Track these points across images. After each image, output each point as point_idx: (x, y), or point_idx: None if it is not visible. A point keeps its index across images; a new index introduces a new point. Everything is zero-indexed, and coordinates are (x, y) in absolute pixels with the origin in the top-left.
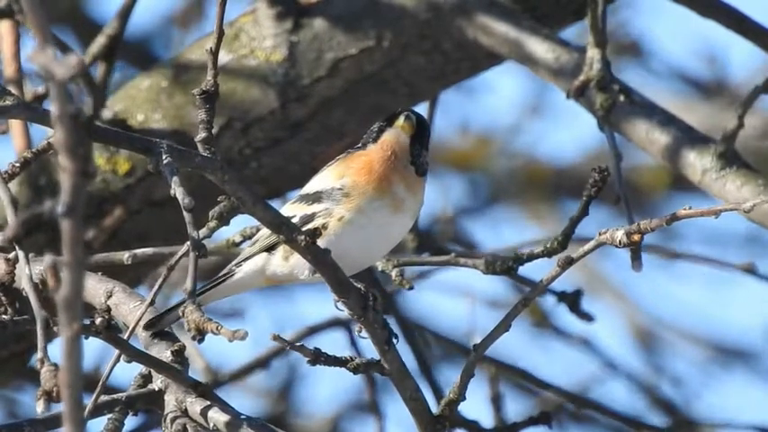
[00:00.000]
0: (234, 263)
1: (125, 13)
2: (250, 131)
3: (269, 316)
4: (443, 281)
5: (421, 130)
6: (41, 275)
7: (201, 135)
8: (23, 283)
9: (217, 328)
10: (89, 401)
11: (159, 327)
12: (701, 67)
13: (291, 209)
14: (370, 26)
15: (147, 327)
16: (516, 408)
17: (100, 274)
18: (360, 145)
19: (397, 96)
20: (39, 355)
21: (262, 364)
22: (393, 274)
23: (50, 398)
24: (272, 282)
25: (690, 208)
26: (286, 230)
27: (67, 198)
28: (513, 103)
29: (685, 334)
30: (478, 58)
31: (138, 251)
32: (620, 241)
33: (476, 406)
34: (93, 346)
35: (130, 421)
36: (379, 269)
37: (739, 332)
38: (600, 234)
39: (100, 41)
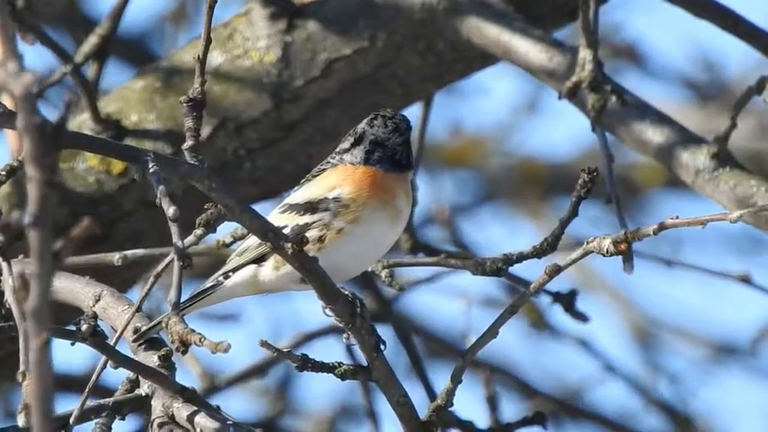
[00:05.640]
0: (220, 272)
1: (117, 14)
2: (244, 132)
3: (266, 319)
4: (440, 281)
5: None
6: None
7: (188, 143)
8: (6, 293)
9: (200, 340)
10: (76, 406)
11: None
12: (696, 69)
13: (280, 218)
14: (363, 27)
15: (134, 340)
16: (512, 407)
17: (88, 277)
18: (337, 160)
19: (392, 97)
20: (21, 368)
21: (259, 371)
22: (383, 275)
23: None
24: (262, 291)
25: (677, 217)
26: (273, 238)
27: (34, 208)
28: (508, 101)
29: (682, 332)
30: (472, 58)
31: (129, 252)
32: (607, 250)
33: (471, 406)
34: (88, 348)
35: (118, 426)
36: (369, 270)
37: (736, 330)
38: (587, 242)
39: (92, 41)
